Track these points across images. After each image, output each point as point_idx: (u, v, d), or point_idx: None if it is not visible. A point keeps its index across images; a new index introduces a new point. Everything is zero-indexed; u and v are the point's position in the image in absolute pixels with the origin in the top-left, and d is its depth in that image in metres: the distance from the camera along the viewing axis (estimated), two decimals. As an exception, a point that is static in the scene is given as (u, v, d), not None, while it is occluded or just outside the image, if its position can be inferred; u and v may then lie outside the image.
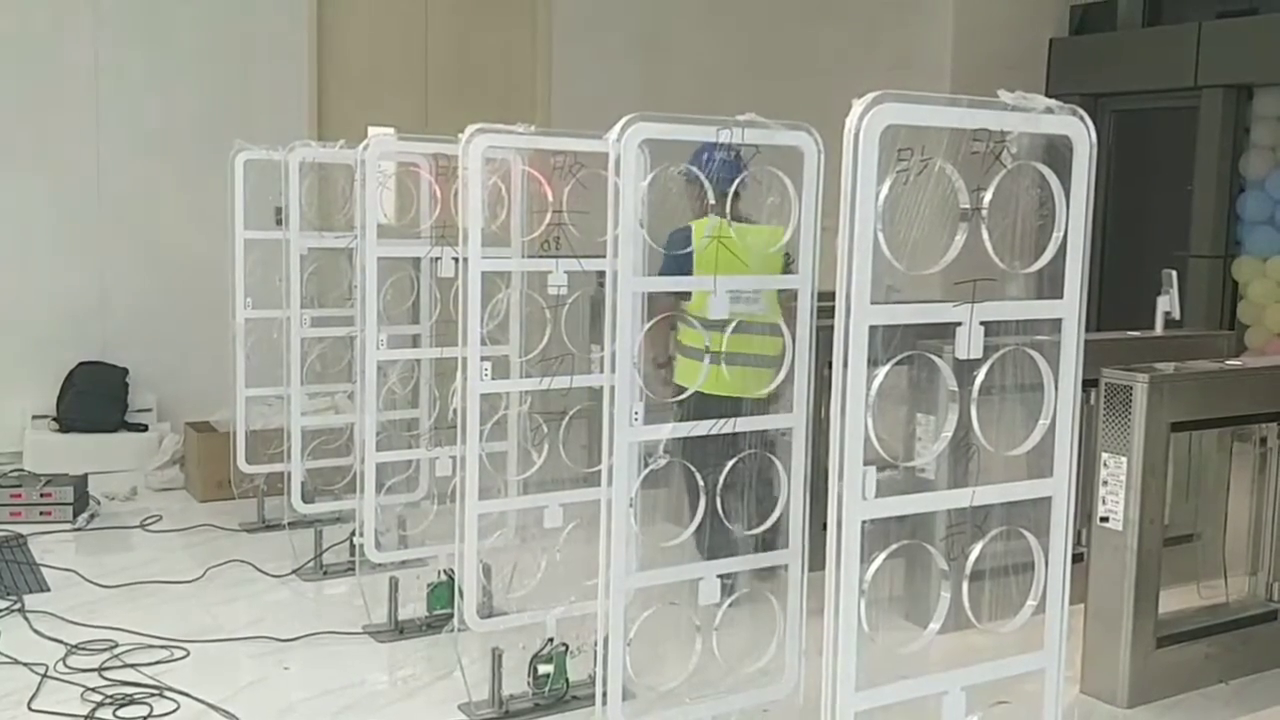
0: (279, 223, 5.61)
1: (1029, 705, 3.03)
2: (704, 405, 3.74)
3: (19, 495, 5.87)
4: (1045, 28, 9.59)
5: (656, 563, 3.43)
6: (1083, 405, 4.21)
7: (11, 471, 6.39)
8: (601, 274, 3.39)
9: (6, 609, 4.66)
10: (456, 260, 4.20)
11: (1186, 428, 4.24)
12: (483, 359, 4.03)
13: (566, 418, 4.34)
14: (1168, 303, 5.34)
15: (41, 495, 5.88)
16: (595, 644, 3.38)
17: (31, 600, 4.77)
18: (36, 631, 4.46)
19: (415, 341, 5.43)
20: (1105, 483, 4.06)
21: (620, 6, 8.59)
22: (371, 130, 6.18)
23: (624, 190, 3.14)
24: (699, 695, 3.58)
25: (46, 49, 6.97)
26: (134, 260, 7.23)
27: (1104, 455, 4.06)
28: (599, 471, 3.30)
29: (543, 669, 3.87)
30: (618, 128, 3.11)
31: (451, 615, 4.27)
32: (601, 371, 3.47)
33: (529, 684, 3.90)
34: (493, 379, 4.10)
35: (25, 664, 4.14)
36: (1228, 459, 4.99)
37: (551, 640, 3.89)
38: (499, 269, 4.36)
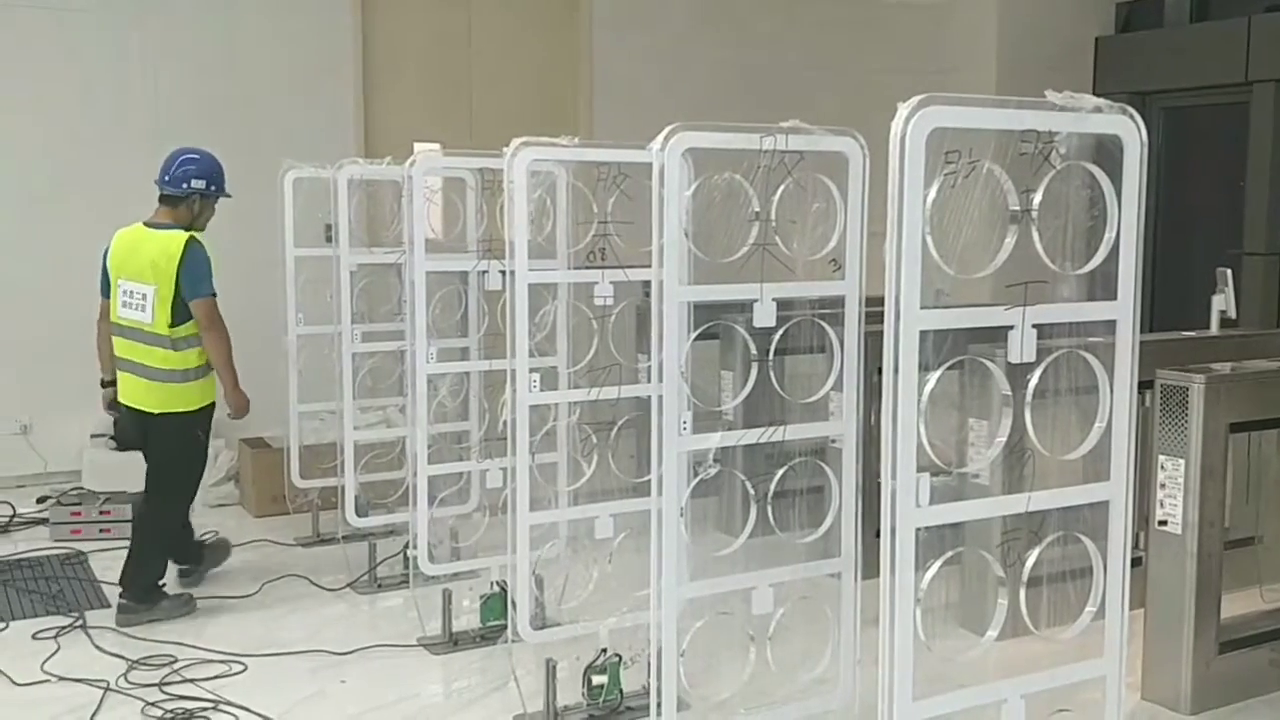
0: (329, 240, 5.67)
1: (1089, 713, 2.99)
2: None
3: (79, 513, 5.98)
4: (1091, 26, 9.50)
5: (708, 572, 3.42)
6: (1138, 407, 4.16)
7: (71, 490, 6.50)
8: (647, 284, 3.39)
9: (69, 626, 4.74)
10: (503, 273, 4.22)
11: (1245, 428, 4.17)
12: (531, 371, 4.05)
13: (615, 428, 4.35)
14: (1223, 302, 5.25)
15: (101, 513, 5.98)
16: (648, 655, 3.37)
17: (93, 616, 4.85)
18: (98, 647, 4.53)
19: (464, 354, 5.46)
20: (1163, 486, 4.00)
21: (662, 17, 8.60)
22: (418, 146, 6.24)
23: (668, 200, 3.15)
24: (754, 706, 3.56)
25: (100, 75, 7.09)
26: (187, 280, 7.32)
27: (1161, 458, 4.00)
28: (649, 481, 3.30)
29: (596, 680, 3.87)
30: (660, 138, 3.12)
31: (505, 627, 4.29)
32: (649, 381, 3.47)
33: (583, 695, 3.90)
34: (541, 390, 4.12)
35: (88, 680, 4.20)
36: (1289, 459, 4.90)
37: (605, 651, 3.89)
38: (545, 281, 4.38)
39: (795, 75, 8.77)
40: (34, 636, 4.63)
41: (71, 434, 7.06)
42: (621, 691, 3.90)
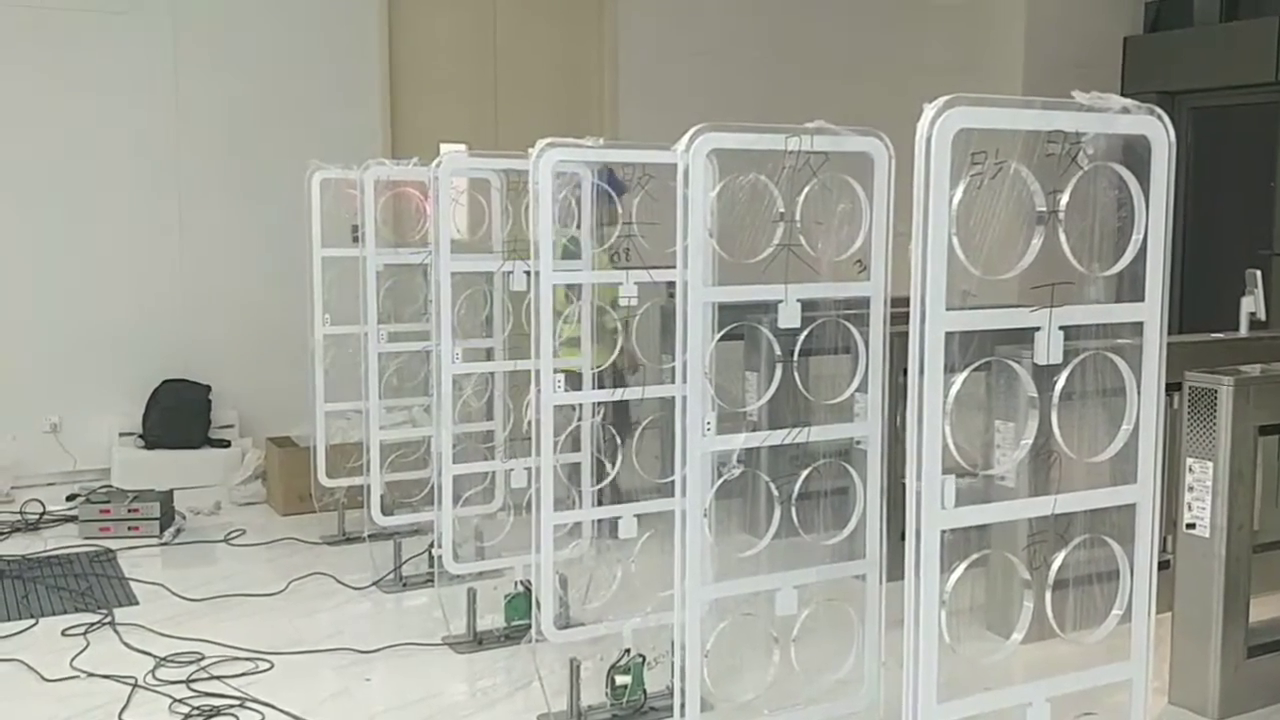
0: (355, 240, 5.70)
1: (1115, 716, 2.97)
2: None
3: (108, 511, 6.02)
4: (1119, 25, 9.44)
5: (732, 573, 3.42)
6: (1166, 409, 4.13)
7: (100, 488, 6.55)
8: (671, 284, 3.39)
9: (98, 622, 4.78)
10: (528, 274, 4.23)
11: (1275, 431, 4.13)
12: (555, 371, 4.06)
13: (639, 428, 4.35)
14: (1253, 303, 5.22)
15: (129, 511, 6.02)
16: (672, 655, 3.38)
17: (121, 614, 4.89)
18: (126, 644, 4.57)
19: (489, 355, 5.48)
20: (1191, 488, 3.97)
21: (686, 16, 8.61)
22: (443, 147, 6.26)
23: (692, 201, 3.15)
24: (777, 707, 3.56)
25: (132, 77, 7.16)
26: (215, 280, 7.40)
27: (1189, 460, 3.97)
28: (673, 482, 3.31)
29: (620, 680, 3.88)
30: (686, 138, 3.12)
31: (529, 626, 4.30)
32: (673, 382, 3.47)
33: (607, 695, 3.90)
34: (565, 390, 4.13)
35: (116, 676, 4.24)
36: (1319, 463, 4.84)
37: (629, 651, 3.90)
38: (570, 281, 4.39)
39: (820, 76, 8.76)
40: (63, 633, 4.68)
41: (101, 432, 7.14)
42: (645, 692, 3.90)
